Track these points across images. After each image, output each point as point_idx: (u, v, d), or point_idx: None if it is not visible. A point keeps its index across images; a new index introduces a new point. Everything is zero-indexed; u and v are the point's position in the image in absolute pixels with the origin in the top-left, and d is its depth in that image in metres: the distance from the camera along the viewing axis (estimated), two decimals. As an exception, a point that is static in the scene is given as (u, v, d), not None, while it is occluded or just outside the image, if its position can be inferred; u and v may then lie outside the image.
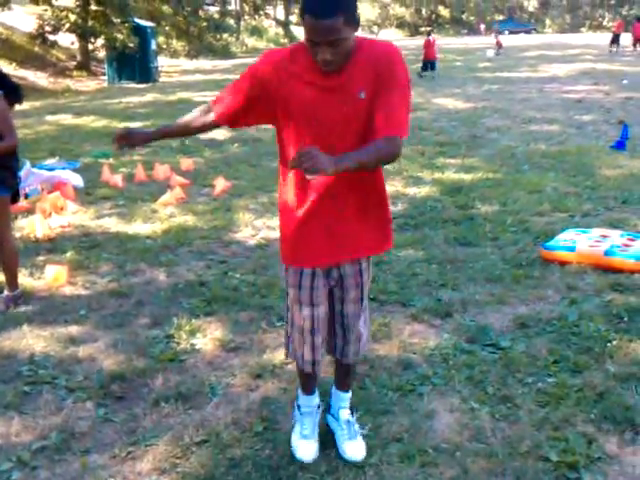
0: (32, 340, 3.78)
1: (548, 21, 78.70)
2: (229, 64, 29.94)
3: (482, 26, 65.73)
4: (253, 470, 2.59)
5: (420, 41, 23.18)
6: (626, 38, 33.04)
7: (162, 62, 26.35)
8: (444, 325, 3.86)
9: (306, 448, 2.66)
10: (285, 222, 2.46)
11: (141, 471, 2.65)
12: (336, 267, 2.47)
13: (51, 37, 23.07)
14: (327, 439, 2.77)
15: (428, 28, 32.83)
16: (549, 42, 43.05)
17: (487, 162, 8.33)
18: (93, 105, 15.98)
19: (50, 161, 8.55)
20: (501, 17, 77.94)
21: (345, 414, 2.76)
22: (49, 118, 13.50)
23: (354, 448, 2.66)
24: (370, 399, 3.05)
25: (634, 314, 3.87)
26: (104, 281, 4.70)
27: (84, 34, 23.12)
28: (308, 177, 2.00)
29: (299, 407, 2.78)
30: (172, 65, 29.77)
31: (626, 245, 4.73)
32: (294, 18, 56.25)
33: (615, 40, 30.60)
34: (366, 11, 73.73)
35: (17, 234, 5.45)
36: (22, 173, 5.31)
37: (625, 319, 3.82)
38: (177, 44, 34.31)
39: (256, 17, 46.82)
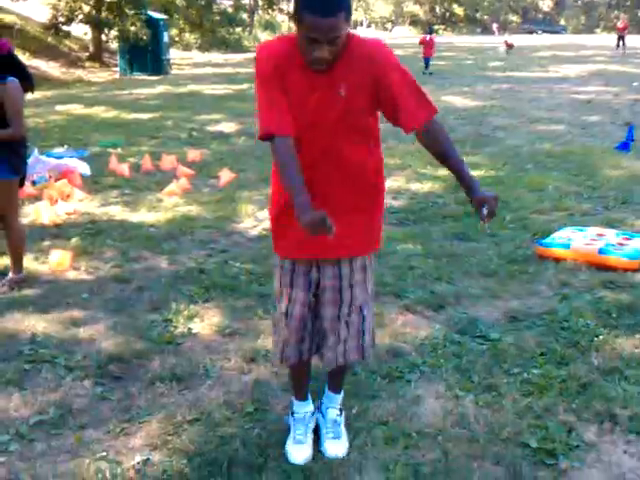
0: (34, 321, 3.88)
1: (563, 22, 78.36)
2: (241, 58, 30.08)
3: (495, 25, 65.47)
4: (242, 447, 2.69)
5: (435, 39, 23.30)
6: (632, 40, 33.02)
7: (174, 55, 26.48)
8: (436, 316, 3.94)
9: (299, 452, 2.63)
10: (273, 211, 2.51)
11: (134, 446, 2.75)
12: (316, 268, 2.47)
13: (65, 28, 23.23)
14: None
15: (438, 26, 33.19)
16: (563, 43, 42.91)
17: (491, 160, 8.40)
18: (104, 96, 16.12)
19: (59, 149, 8.67)
20: (515, 17, 77.73)
21: (333, 413, 2.77)
22: (60, 108, 13.64)
23: (336, 448, 2.66)
24: (359, 384, 3.14)
25: (623, 311, 3.94)
26: (107, 266, 4.81)
27: (98, 25, 23.30)
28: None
29: (293, 413, 2.78)
30: (184, 58, 29.92)
31: (621, 244, 4.79)
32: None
33: (621, 40, 30.68)
34: (380, 8, 73.73)
35: (24, 220, 5.56)
36: (30, 160, 5.42)
37: (614, 315, 3.88)
38: (190, 37, 34.44)
39: (270, 11, 46.81)
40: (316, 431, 2.78)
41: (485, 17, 76.68)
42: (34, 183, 6.76)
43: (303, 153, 2.29)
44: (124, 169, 7.71)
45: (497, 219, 5.77)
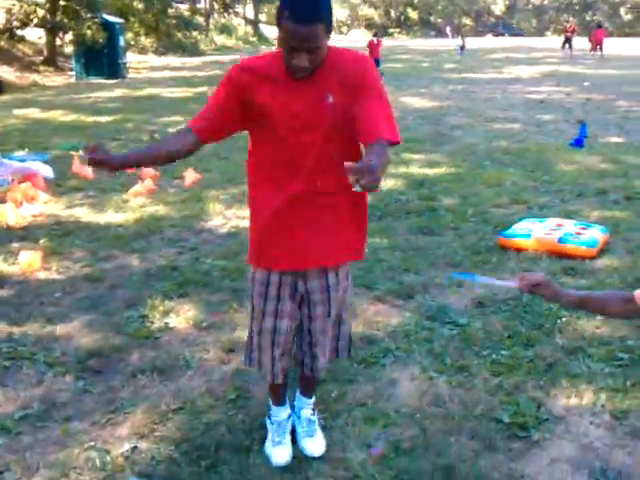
0: (10, 320, 3.89)
1: (514, 25, 79.89)
2: (198, 61, 29.97)
3: (448, 28, 66.57)
4: (227, 432, 2.77)
5: (387, 42, 23.65)
6: (578, 42, 34.05)
7: (130, 58, 26.22)
8: (406, 305, 4.07)
9: (279, 453, 2.65)
10: (254, 222, 2.49)
11: (120, 435, 2.81)
12: (302, 281, 2.47)
13: (19, 32, 22.86)
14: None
15: (393, 29, 33.67)
16: (515, 45, 43.81)
17: (450, 158, 8.60)
18: (61, 100, 15.93)
19: (20, 153, 8.58)
20: (468, 20, 78.97)
21: (307, 413, 2.80)
22: (17, 112, 13.45)
23: (313, 445, 2.69)
24: (336, 370, 3.24)
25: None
26: (77, 266, 4.82)
27: (53, 29, 22.96)
28: (357, 189, 1.87)
29: (270, 417, 2.80)
30: (140, 61, 29.63)
31: (579, 233, 5.00)
32: (263, 17, 56.36)
33: (567, 42, 31.72)
34: (336, 12, 74.09)
35: (-10, 222, 5.53)
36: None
37: (575, 299, 4.07)
38: (145, 41, 34.16)
39: (225, 15, 46.78)
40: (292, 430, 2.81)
41: (439, 20, 77.74)
42: (-3, 186, 6.70)
43: (298, 161, 2.32)
44: (87, 171, 7.66)
45: (459, 213, 5.97)
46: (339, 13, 72.79)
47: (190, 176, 7.33)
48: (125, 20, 26.54)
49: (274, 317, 2.49)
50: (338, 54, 2.29)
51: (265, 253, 2.46)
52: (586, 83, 17.88)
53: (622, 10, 69.98)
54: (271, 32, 50.23)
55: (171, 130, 11.01)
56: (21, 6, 22.60)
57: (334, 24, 2.28)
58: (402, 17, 76.67)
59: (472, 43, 38.51)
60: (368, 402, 3.00)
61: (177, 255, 5.02)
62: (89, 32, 21.81)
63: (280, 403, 2.79)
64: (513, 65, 25.33)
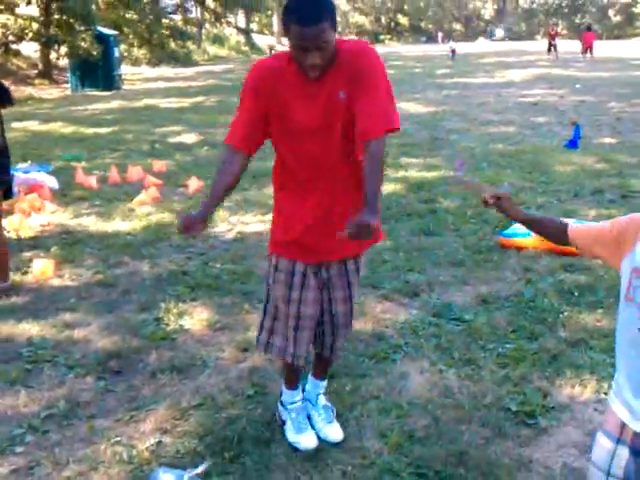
0: (28, 325, 4.00)
1: (501, 31, 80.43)
2: (191, 72, 30.13)
3: (440, 34, 67.02)
4: (248, 426, 2.89)
5: (379, 49, 23.76)
6: (569, 44, 34.49)
7: (124, 70, 26.36)
8: (412, 303, 4.20)
9: (307, 439, 2.76)
10: (280, 219, 2.62)
11: (145, 431, 2.92)
12: (325, 268, 2.60)
13: (14, 46, 23.00)
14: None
15: (383, 36, 33.88)
16: (506, 49, 44.13)
17: (448, 161, 8.74)
18: (59, 112, 16.05)
19: (23, 165, 8.69)
20: (458, 26, 79.47)
21: (323, 400, 2.94)
22: (16, 125, 13.51)
23: (334, 431, 2.81)
24: (349, 365, 3.37)
25: (583, 290, 4.27)
26: (89, 273, 4.94)
27: (47, 42, 23.09)
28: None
29: (283, 403, 2.90)
30: (134, 73, 29.80)
31: (577, 231, 5.14)
32: (255, 26, 56.64)
33: (552, 46, 32.17)
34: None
35: None
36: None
37: (575, 294, 4.21)
38: (139, 52, 34.32)
39: (217, 25, 46.97)
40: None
41: (430, 26, 78.21)
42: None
43: (321, 160, 2.43)
44: (92, 181, 7.80)
45: (459, 214, 6.11)
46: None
47: (193, 184, 7.46)
48: (119, 32, 26.68)
49: (298, 303, 2.59)
50: (342, 48, 2.35)
51: (290, 246, 2.57)
52: (578, 85, 18.09)
53: (611, 12, 70.52)
54: (262, 41, 50.50)
55: (171, 140, 11.17)
56: (16, 20, 22.74)
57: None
58: (392, 23, 77.12)
59: (463, 48, 38.77)
60: (381, 395, 3.12)
61: (186, 260, 5.14)
62: (84, 44, 21.94)
63: (294, 387, 2.91)
64: (505, 69, 25.56)
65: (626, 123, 11.68)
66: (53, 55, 24.51)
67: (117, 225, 6.17)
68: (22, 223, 6.02)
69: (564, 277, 4.51)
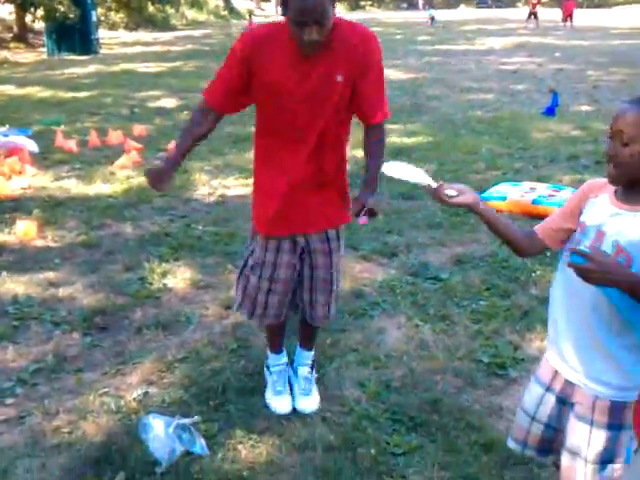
0: (13, 284, 4.07)
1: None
2: (170, 36, 29.70)
3: (420, 1, 66.58)
4: (232, 377, 3.01)
5: (359, 15, 23.60)
6: (550, 13, 34.42)
7: (101, 34, 25.93)
8: (390, 263, 4.33)
9: (280, 402, 2.82)
10: (258, 196, 2.65)
11: (131, 383, 3.03)
12: (302, 235, 2.61)
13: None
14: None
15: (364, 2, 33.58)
16: (488, 17, 44.00)
17: (427, 127, 8.84)
18: (36, 76, 15.82)
19: (1, 129, 8.62)
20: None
21: (305, 371, 2.93)
22: (-8, 89, 13.38)
23: (307, 403, 2.83)
24: (328, 322, 3.48)
25: (556, 251, 4.40)
26: (72, 234, 4.99)
27: (23, 4, 22.62)
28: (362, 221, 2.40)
29: (268, 367, 2.96)
30: (111, 37, 29.31)
31: (551, 195, 5.28)
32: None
33: (532, 15, 32.14)
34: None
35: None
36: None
37: (548, 255, 4.32)
38: (116, 16, 33.75)
39: (196, -12, 46.14)
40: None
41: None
42: (-16, 161, 6.79)
43: (303, 133, 2.46)
44: (71, 145, 7.78)
45: (438, 179, 6.20)
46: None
47: (174, 148, 7.47)
48: (96, -5, 26.17)
49: (272, 267, 2.62)
50: (346, 28, 2.39)
51: (259, 223, 2.64)
52: (557, 54, 18.18)
53: (592, -19, 70.33)
54: (242, 5, 49.75)
55: (150, 105, 11.11)
56: (-10, -19, 22.25)
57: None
58: (374, -11, 76.29)
59: (445, 15, 38.58)
60: (359, 348, 3.25)
61: (169, 222, 5.21)
62: (60, 7, 21.53)
63: (277, 351, 2.98)
64: (486, 36, 25.55)
65: (603, 91, 11.83)
66: (29, 18, 24.02)
67: (98, 188, 6.20)
68: (3, 186, 6.03)
69: (537, 239, 4.64)
